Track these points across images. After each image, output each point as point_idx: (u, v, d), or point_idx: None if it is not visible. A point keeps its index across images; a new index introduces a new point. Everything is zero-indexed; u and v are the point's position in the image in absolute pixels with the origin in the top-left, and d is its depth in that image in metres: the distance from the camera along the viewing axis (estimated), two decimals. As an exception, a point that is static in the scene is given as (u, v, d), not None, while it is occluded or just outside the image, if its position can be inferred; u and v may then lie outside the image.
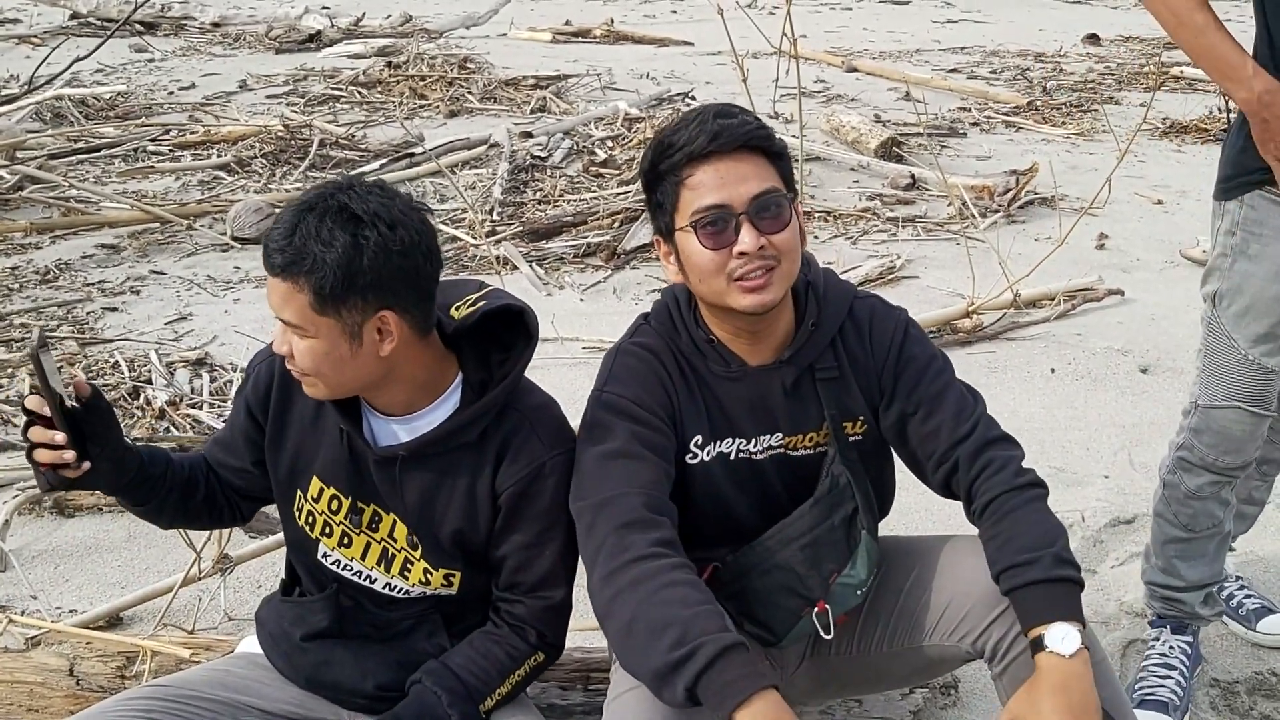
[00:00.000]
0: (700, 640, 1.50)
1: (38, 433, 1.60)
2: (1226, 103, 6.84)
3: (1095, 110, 7.43)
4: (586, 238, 5.02)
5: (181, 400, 3.59)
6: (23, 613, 2.55)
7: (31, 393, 1.64)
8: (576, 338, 4.07)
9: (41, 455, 1.60)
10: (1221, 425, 2.15)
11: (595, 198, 5.46)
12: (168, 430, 3.41)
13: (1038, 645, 1.60)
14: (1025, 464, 1.80)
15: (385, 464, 1.71)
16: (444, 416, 1.69)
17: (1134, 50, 9.62)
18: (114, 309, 4.41)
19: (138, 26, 9.74)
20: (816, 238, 5.12)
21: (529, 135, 6.41)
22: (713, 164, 1.64)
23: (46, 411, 1.59)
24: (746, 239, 1.63)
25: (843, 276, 4.76)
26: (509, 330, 1.73)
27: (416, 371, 1.68)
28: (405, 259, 1.58)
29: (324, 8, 10.88)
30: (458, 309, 1.69)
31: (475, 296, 1.71)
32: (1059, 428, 3.45)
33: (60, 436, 1.59)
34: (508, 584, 1.75)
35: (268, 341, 1.83)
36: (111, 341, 4.05)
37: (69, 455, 1.60)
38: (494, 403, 1.69)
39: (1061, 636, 1.59)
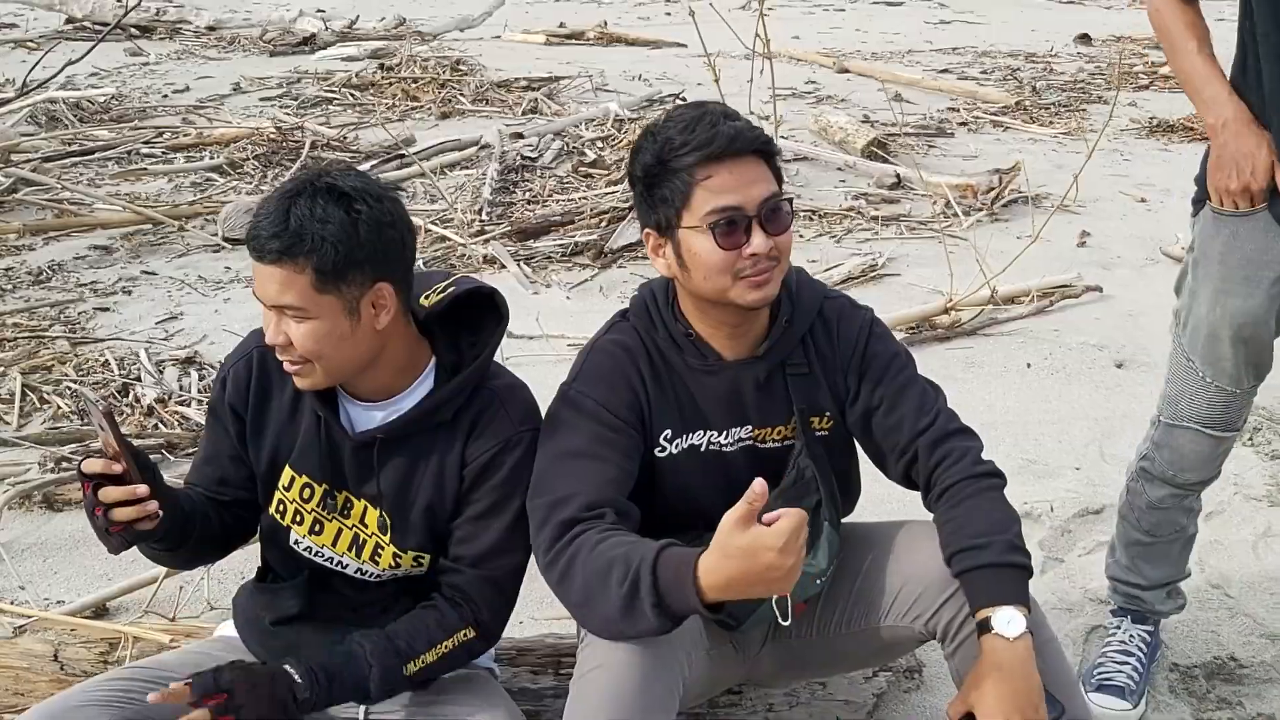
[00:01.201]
0: (639, 562, 1.56)
1: (115, 492, 1.57)
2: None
3: (1083, 110, 7.49)
4: (574, 237, 5.08)
5: (170, 398, 3.64)
6: (12, 603, 2.61)
7: (90, 456, 1.62)
8: (562, 335, 4.13)
9: (124, 513, 1.58)
10: (1179, 444, 2.17)
11: (583, 198, 5.52)
12: (156, 427, 3.46)
13: (984, 627, 1.66)
14: (985, 455, 1.86)
15: (362, 449, 1.76)
16: (420, 398, 1.75)
17: (1125, 50, 9.67)
18: (106, 309, 4.47)
19: (132, 30, 9.80)
20: (801, 236, 5.18)
21: (520, 136, 6.47)
22: (727, 165, 1.69)
23: (115, 469, 1.57)
24: (758, 241, 1.69)
25: (825, 274, 4.80)
26: (479, 314, 1.79)
27: (401, 352, 1.74)
28: (395, 230, 1.66)
29: (319, 11, 10.94)
30: (427, 297, 1.76)
31: (444, 284, 1.77)
32: (1032, 421, 3.50)
33: (143, 488, 1.58)
34: (454, 555, 1.79)
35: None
36: (103, 341, 4.10)
37: (153, 506, 1.59)
38: (469, 381, 1.74)
39: (1007, 620, 1.65)
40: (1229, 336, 2.06)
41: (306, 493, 1.79)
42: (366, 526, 1.80)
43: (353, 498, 1.79)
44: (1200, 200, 2.09)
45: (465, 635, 1.78)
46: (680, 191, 1.70)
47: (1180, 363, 2.14)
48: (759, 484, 1.48)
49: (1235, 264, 2.03)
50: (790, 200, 1.76)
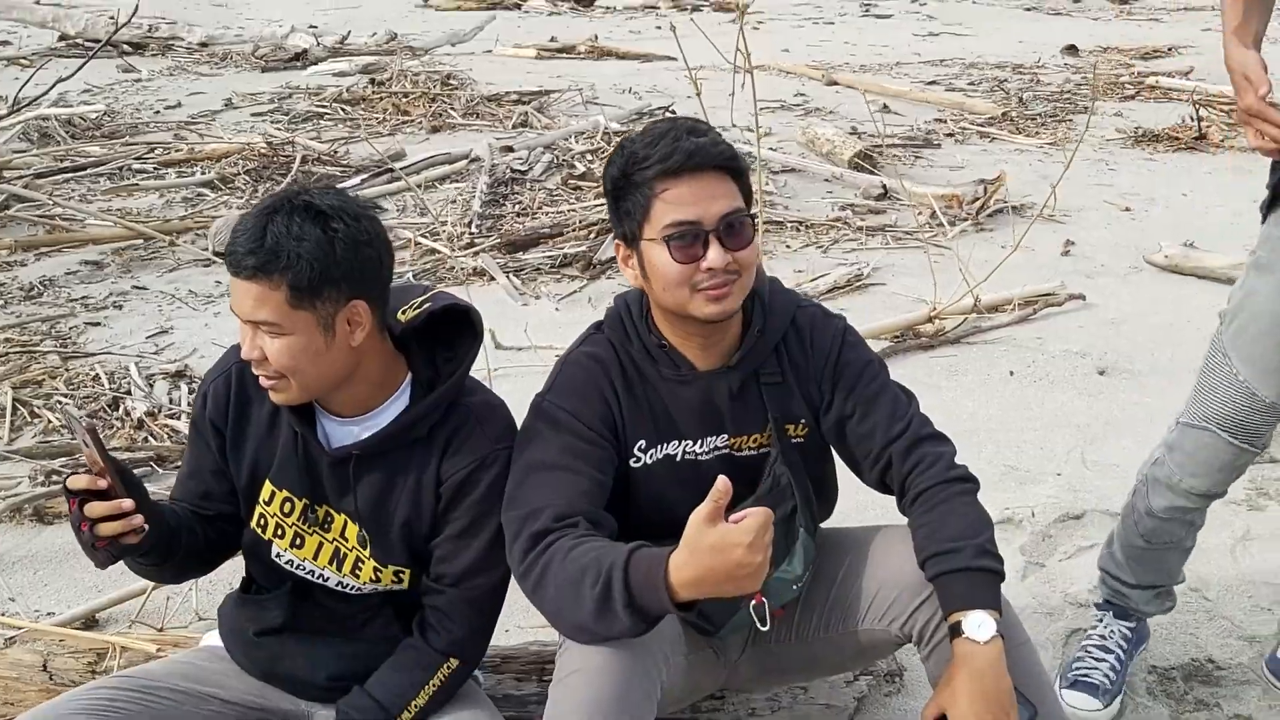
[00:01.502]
0: (610, 564, 1.59)
1: (100, 507, 1.60)
2: (1196, 111, 6.91)
3: (1070, 120, 7.55)
4: (563, 249, 5.11)
5: (160, 411, 3.67)
6: (3, 615, 2.63)
7: (75, 472, 1.66)
8: (551, 346, 4.15)
9: (109, 528, 1.61)
10: (1193, 446, 2.13)
11: (572, 210, 5.56)
12: (146, 440, 3.49)
13: (956, 631, 1.70)
14: (961, 460, 1.89)
15: (339, 464, 1.79)
16: (396, 414, 1.77)
17: (1112, 61, 9.74)
18: (97, 324, 4.49)
19: (125, 47, 9.83)
20: (789, 246, 5.22)
21: (510, 149, 6.50)
22: (686, 181, 1.72)
23: (100, 485, 1.60)
24: (714, 255, 1.72)
25: (812, 284, 4.83)
26: (455, 330, 1.82)
27: (376, 369, 1.76)
28: (371, 249, 1.68)
29: (310, 27, 10.98)
30: (404, 313, 1.78)
31: (420, 300, 1.79)
32: (1015, 427, 3.54)
33: (128, 503, 1.61)
34: (435, 574, 1.82)
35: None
36: (94, 355, 4.13)
37: (138, 520, 1.62)
38: (444, 398, 1.77)
39: (978, 624, 1.68)
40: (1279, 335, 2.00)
41: (287, 507, 1.82)
42: (347, 540, 1.82)
43: (333, 512, 1.82)
44: (1266, 205, 2.04)
45: (449, 668, 1.82)
46: (641, 204, 1.74)
47: (1216, 361, 2.09)
48: (723, 481, 1.51)
49: None
50: (753, 216, 1.79)
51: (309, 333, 1.65)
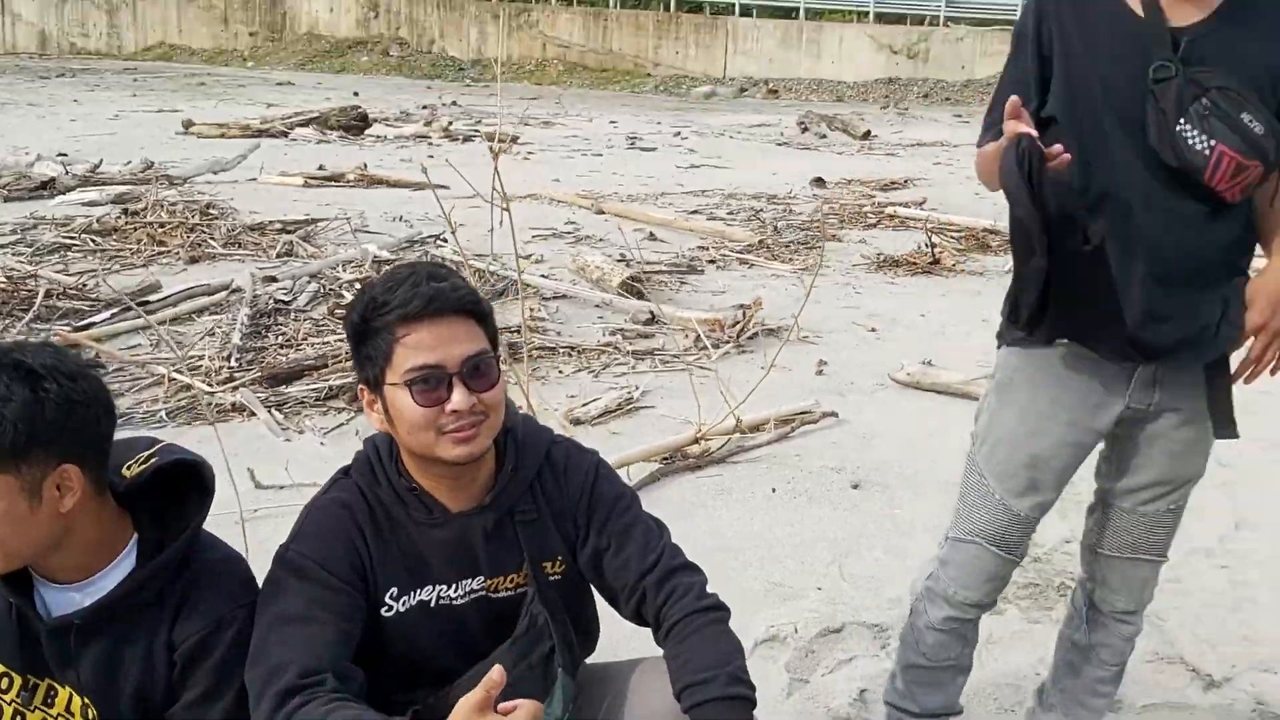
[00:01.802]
0: None
1: None
2: (930, 238, 7.53)
3: (819, 247, 8.06)
4: (329, 380, 5.00)
5: None
6: None
7: None
8: (315, 483, 4.00)
9: None
10: (963, 559, 2.22)
11: (340, 340, 5.46)
12: None
13: None
14: (711, 588, 1.94)
15: (59, 635, 1.66)
16: (120, 578, 1.67)
17: (855, 192, 10.52)
18: None
19: None
20: (561, 371, 5.30)
21: (273, 279, 6.36)
22: (426, 325, 1.72)
23: None
24: (458, 398, 1.72)
25: (584, 409, 4.88)
26: (185, 486, 1.74)
27: (93, 532, 1.65)
28: (87, 410, 1.59)
29: (60, 155, 10.50)
30: (129, 468, 1.69)
31: (147, 454, 1.71)
32: (777, 543, 3.66)
33: None
34: None
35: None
36: None
37: None
38: (171, 559, 1.68)
39: None
40: (1025, 455, 2.14)
41: (4, 683, 1.67)
42: (73, 716, 1.68)
43: (56, 685, 1.68)
44: (1006, 333, 2.17)
45: None
46: (383, 350, 1.74)
47: (974, 480, 2.21)
48: (497, 671, 1.50)
49: (1040, 392, 2.12)
50: (497, 357, 1.81)
51: (11, 498, 1.54)
